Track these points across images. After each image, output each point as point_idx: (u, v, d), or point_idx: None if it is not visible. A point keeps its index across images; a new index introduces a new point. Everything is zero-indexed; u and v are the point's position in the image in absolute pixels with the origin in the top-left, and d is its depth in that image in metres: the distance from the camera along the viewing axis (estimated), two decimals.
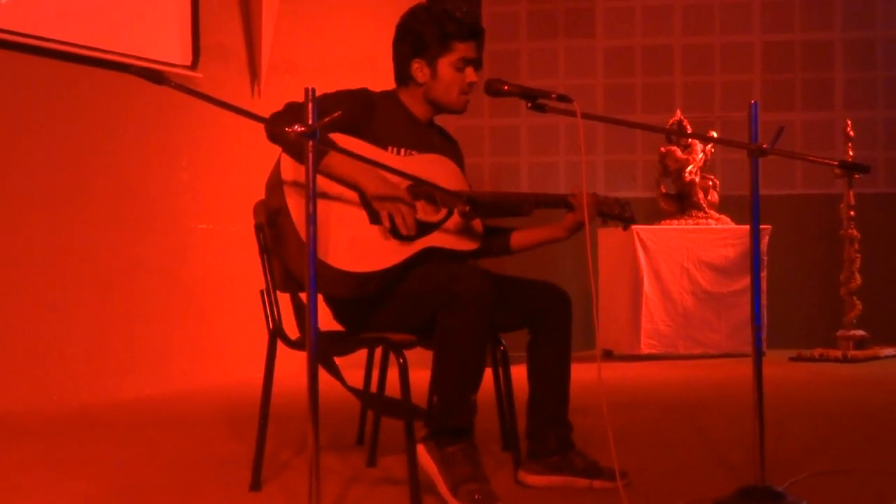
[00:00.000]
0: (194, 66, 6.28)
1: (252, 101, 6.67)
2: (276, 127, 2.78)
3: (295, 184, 3.10)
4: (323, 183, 3.15)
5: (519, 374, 3.50)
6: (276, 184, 3.17)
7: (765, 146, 3.08)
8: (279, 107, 3.24)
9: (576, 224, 3.45)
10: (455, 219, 3.38)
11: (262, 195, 3.39)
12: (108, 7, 5.84)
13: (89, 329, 5.66)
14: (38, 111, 5.46)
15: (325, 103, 3.14)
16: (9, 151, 5.31)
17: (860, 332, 7.58)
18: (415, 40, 3.42)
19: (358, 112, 3.31)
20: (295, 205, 3.09)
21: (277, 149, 3.21)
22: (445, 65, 3.41)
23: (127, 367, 5.83)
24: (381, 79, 4.03)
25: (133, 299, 5.93)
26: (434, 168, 3.37)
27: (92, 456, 4.05)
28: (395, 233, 3.23)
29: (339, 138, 3.22)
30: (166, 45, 6.17)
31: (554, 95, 3.13)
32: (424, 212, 3.32)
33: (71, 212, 5.61)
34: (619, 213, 3.53)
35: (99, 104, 5.79)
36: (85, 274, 5.67)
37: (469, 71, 3.43)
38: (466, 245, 3.40)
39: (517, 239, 3.59)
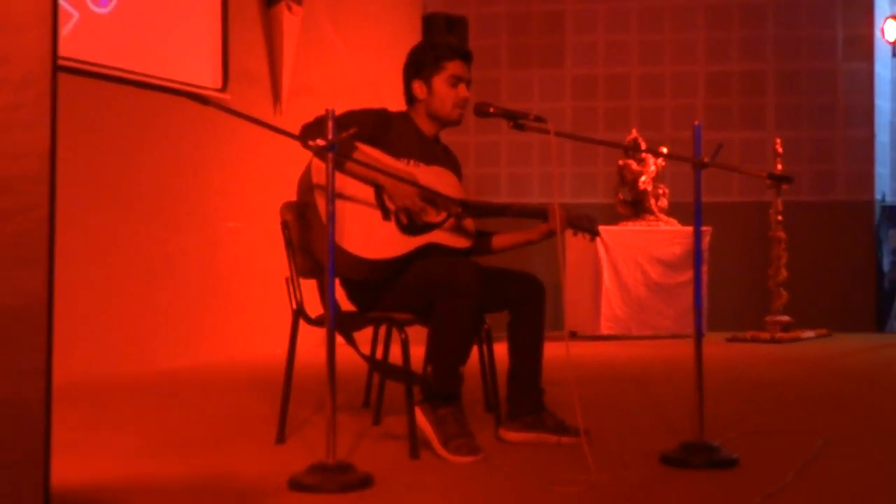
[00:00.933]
0: (224, 88, 6.27)
1: (274, 119, 6.66)
2: (302, 140, 2.84)
3: (322, 186, 3.11)
4: (345, 185, 3.21)
5: (500, 349, 3.55)
6: (307, 183, 3.22)
7: (706, 160, 3.12)
8: (299, 124, 3.29)
9: (548, 232, 3.48)
10: (453, 221, 3.42)
11: (281, 198, 3.45)
12: (152, 38, 5.84)
13: (136, 310, 5.67)
14: (95, 126, 5.46)
15: (350, 118, 3.22)
16: (73, 162, 5.29)
17: (785, 318, 7.62)
18: (415, 65, 3.51)
19: (377, 127, 3.36)
20: (322, 203, 3.12)
21: (295, 160, 3.27)
22: (439, 81, 3.47)
23: (167, 341, 5.84)
24: (383, 99, 4.08)
25: (173, 285, 5.94)
26: (437, 178, 3.43)
27: (139, 415, 4.09)
28: (406, 226, 3.29)
29: (364, 147, 3.28)
30: (200, 70, 6.17)
31: (532, 117, 3.18)
32: (427, 213, 3.37)
33: (122, 212, 5.62)
34: (588, 227, 3.56)
35: (145, 121, 5.79)
36: (133, 264, 5.68)
37: (461, 87, 3.48)
38: (461, 243, 3.45)
39: (497, 241, 3.62)
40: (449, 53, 3.48)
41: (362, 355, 3.23)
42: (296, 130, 3.20)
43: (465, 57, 3.51)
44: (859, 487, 2.88)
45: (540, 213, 3.51)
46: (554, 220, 3.46)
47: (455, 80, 3.47)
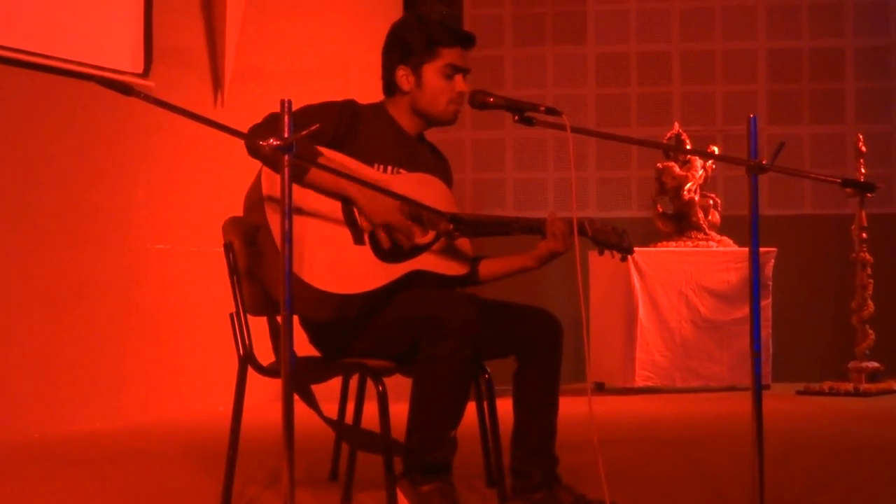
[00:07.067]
0: (146, 73, 6.22)
1: (215, 110, 6.65)
2: (252, 140, 2.86)
3: (276, 200, 3.14)
4: (305, 199, 3.23)
5: (504, 405, 3.54)
6: (256, 200, 3.24)
7: (765, 162, 3.16)
8: (245, 117, 3.32)
9: (548, 254, 3.48)
10: (443, 241, 3.44)
11: (224, 213, 3.48)
12: (56, 9, 5.82)
13: (36, 357, 5.66)
14: None
15: (309, 115, 3.24)
16: None
17: (873, 364, 7.61)
18: (401, 47, 3.53)
19: (343, 125, 3.39)
20: (276, 222, 3.14)
21: (244, 163, 3.29)
22: (431, 71, 3.50)
23: (78, 398, 5.83)
24: (354, 88, 4.11)
25: (84, 325, 5.94)
26: (423, 188, 3.45)
27: (43, 493, 4.06)
28: (384, 250, 3.32)
29: (327, 152, 3.29)
30: (118, 50, 6.14)
31: (542, 108, 3.21)
32: (412, 233, 3.39)
33: (15, 230, 5.62)
34: (617, 243, 3.54)
35: (46, 113, 5.79)
36: (31, 298, 5.67)
37: (458, 79, 3.51)
38: (454, 270, 3.47)
39: (485, 268, 3.61)
40: (446, 37, 3.50)
41: (325, 419, 3.24)
42: (241, 125, 3.23)
43: (467, 42, 3.54)
44: None
45: (537, 228, 3.50)
46: (554, 238, 3.46)
47: (451, 71, 3.51)
